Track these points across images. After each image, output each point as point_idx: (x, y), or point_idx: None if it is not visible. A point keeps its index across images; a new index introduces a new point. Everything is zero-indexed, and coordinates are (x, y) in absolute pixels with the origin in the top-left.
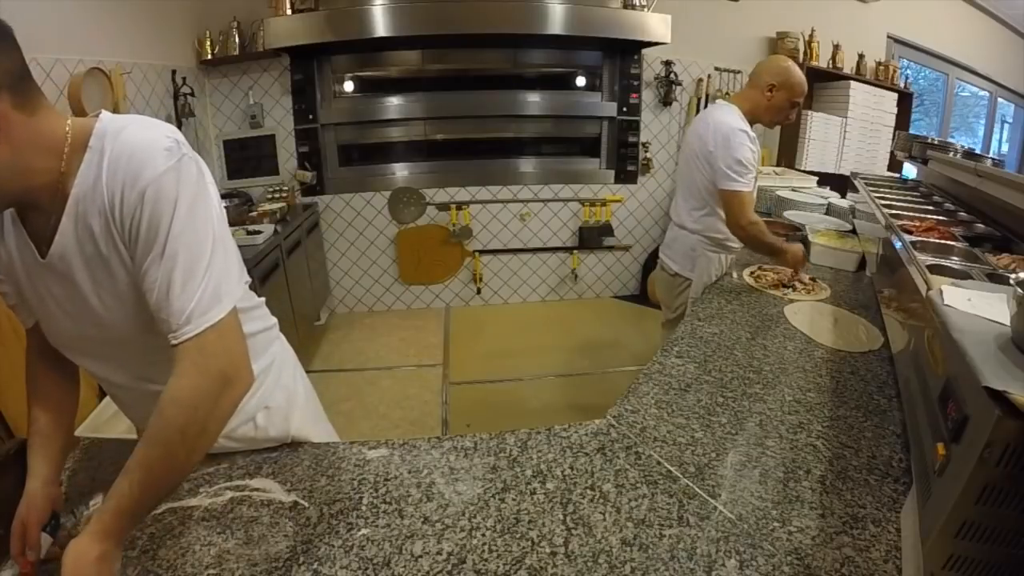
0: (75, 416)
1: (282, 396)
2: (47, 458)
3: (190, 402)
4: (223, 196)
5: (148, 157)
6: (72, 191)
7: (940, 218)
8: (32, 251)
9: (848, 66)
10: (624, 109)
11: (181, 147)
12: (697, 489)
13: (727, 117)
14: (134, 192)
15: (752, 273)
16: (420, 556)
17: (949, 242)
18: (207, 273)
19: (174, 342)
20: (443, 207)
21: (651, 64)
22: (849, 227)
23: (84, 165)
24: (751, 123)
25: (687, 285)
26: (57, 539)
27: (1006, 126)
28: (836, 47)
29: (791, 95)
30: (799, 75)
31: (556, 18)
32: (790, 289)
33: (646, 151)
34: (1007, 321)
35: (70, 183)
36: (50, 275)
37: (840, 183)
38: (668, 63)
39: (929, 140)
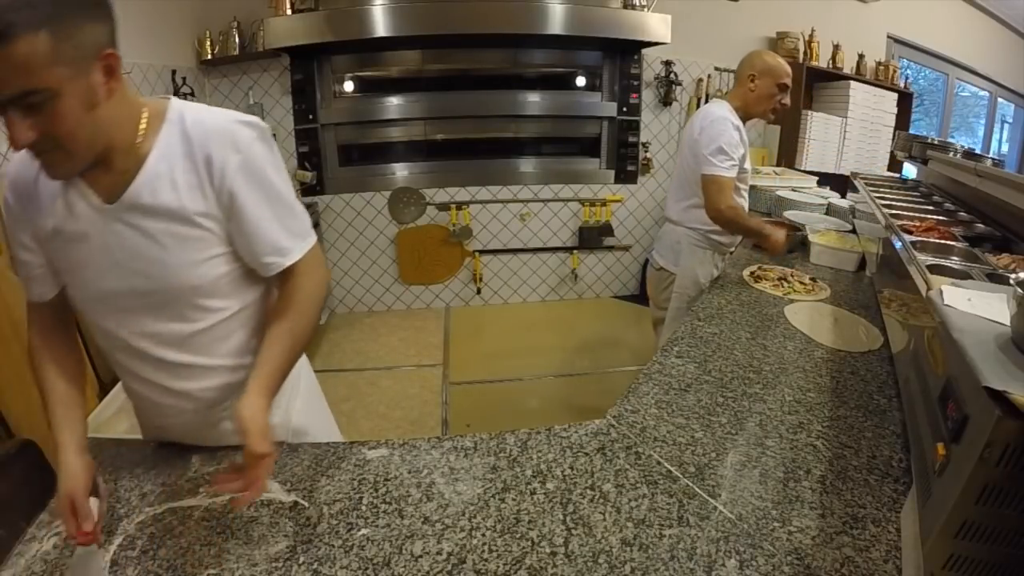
0: (86, 383)
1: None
2: (73, 427)
3: (322, 282)
4: None
5: (238, 130)
6: (152, 153)
7: (940, 218)
8: (98, 201)
9: (848, 66)
10: (624, 109)
11: (260, 123)
12: (697, 489)
13: (714, 108)
14: (235, 156)
15: (752, 273)
16: (420, 556)
17: (949, 242)
18: (299, 210)
19: (298, 256)
20: (443, 207)
21: (651, 64)
22: (849, 227)
23: (165, 134)
24: (746, 118)
25: (671, 280)
26: (102, 495)
27: (1006, 126)
28: (836, 47)
29: (775, 78)
30: (776, 59)
31: (556, 18)
32: (790, 289)
33: (646, 151)
34: (1007, 321)
35: (147, 147)
36: (115, 224)
37: (840, 183)
38: (668, 63)
39: (929, 140)
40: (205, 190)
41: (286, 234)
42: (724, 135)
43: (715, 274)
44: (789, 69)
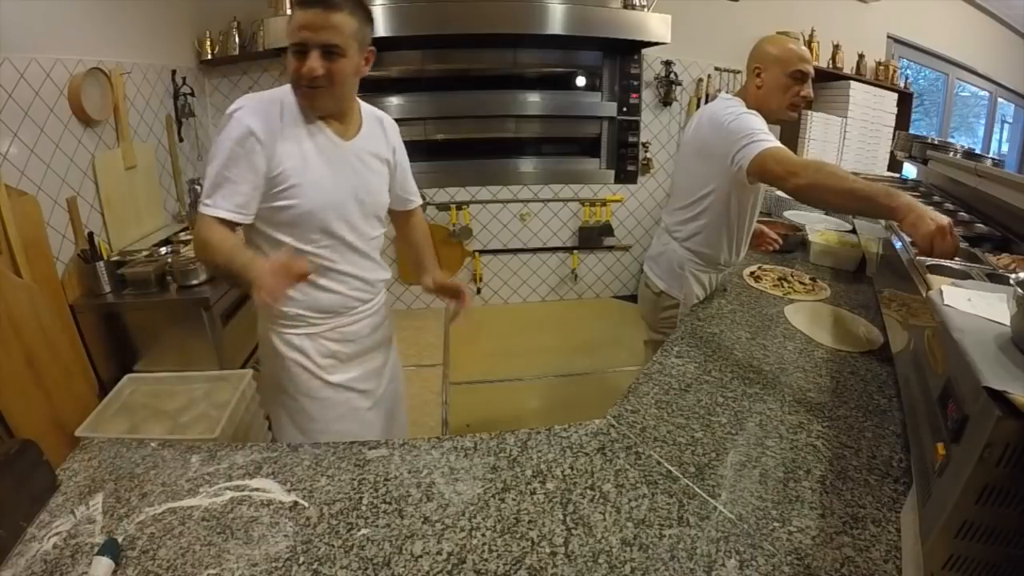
0: None
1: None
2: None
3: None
4: None
5: (390, 119)
6: (364, 119)
7: None
8: (337, 139)
9: (848, 66)
10: (624, 109)
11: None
12: (697, 489)
13: (720, 103)
14: (396, 133)
15: (752, 273)
16: (420, 556)
17: None
18: None
19: (416, 205)
20: (443, 207)
21: (651, 64)
22: (849, 227)
23: (366, 110)
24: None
25: (673, 305)
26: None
27: (1006, 126)
28: (836, 47)
29: (784, 67)
30: (783, 45)
31: (556, 18)
32: (790, 289)
33: (646, 151)
34: (1007, 321)
35: (357, 114)
36: (348, 155)
37: None
38: (668, 63)
39: (929, 140)
40: (388, 147)
41: (414, 186)
42: (745, 118)
43: (713, 288)
44: (805, 53)
